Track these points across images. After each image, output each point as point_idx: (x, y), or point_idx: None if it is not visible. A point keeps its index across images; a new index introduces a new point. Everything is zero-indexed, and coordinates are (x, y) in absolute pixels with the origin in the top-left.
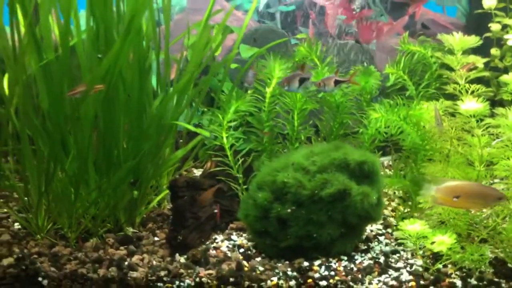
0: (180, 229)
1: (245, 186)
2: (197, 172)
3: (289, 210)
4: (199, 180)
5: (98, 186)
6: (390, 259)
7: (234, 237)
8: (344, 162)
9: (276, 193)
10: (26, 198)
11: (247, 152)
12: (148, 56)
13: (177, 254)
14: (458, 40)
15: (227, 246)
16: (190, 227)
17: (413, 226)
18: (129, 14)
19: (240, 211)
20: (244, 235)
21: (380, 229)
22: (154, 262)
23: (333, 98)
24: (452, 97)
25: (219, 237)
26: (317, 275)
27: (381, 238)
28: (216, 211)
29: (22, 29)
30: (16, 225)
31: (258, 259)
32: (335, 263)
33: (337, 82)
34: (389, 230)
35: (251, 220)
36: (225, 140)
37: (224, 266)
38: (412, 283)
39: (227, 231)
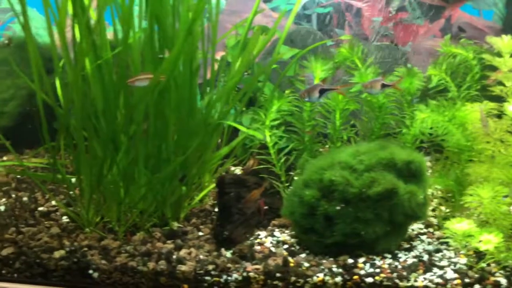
0: (226, 225)
1: (287, 184)
2: (236, 170)
3: (338, 208)
4: (245, 178)
5: (148, 181)
6: (433, 258)
7: (276, 233)
8: (392, 161)
9: (323, 191)
10: (77, 192)
11: (288, 151)
12: (196, 56)
13: (222, 249)
14: (507, 42)
15: (271, 242)
16: (236, 223)
17: (460, 225)
18: (186, 14)
19: (285, 208)
20: (286, 231)
21: (421, 228)
22: (201, 256)
23: (375, 99)
24: (495, 99)
25: (262, 233)
26: (362, 272)
27: (423, 237)
28: (262, 207)
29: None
30: (65, 219)
31: (303, 255)
32: (379, 261)
33: (384, 86)
34: (431, 230)
35: (297, 217)
36: (268, 138)
37: (270, 262)
38: (457, 281)
39: (269, 227)
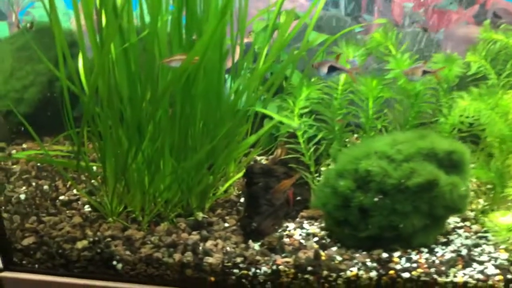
0: (254, 216)
1: (316, 175)
2: (261, 160)
3: (376, 199)
4: (273, 168)
5: (174, 170)
6: (472, 252)
7: (305, 225)
8: (432, 151)
9: (358, 182)
10: (99, 181)
11: (316, 141)
12: (225, 41)
13: (250, 241)
14: None
15: (300, 235)
16: (264, 214)
17: (505, 218)
18: None
19: (316, 199)
20: (315, 223)
21: (457, 222)
22: (228, 248)
23: (412, 86)
24: None
25: (291, 225)
26: (398, 267)
27: (460, 231)
28: (291, 198)
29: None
30: (87, 208)
31: (334, 248)
32: (415, 255)
33: (425, 72)
34: (468, 223)
35: (330, 209)
36: (297, 127)
37: (301, 255)
38: (499, 277)
39: (297, 219)
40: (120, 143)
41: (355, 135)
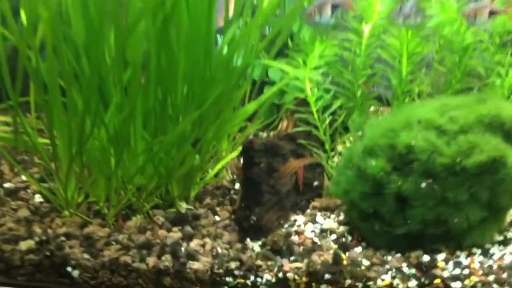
0: (254, 207)
1: (332, 153)
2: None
3: (422, 185)
4: (278, 144)
5: (148, 147)
6: None
7: (319, 218)
8: (497, 119)
9: (395, 161)
10: (52, 164)
11: (332, 111)
12: None
13: (248, 240)
14: None
15: (313, 231)
16: (267, 205)
17: None
18: None
19: (335, 185)
20: (332, 216)
21: (511, 214)
22: (220, 250)
23: (460, 37)
24: None
25: (300, 219)
26: (445, 274)
27: None
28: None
29: None
30: (37, 198)
31: (358, 249)
32: (465, 258)
33: (491, 13)
34: None
35: (354, 197)
36: (309, 91)
37: (315, 258)
38: None
39: (309, 210)
40: (75, 110)
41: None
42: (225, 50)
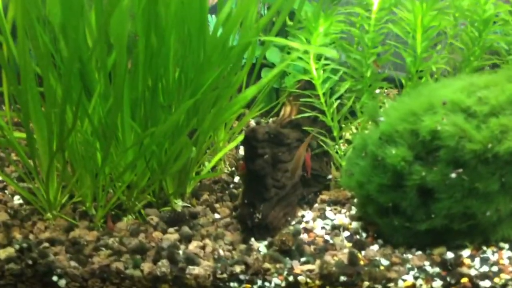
0: (258, 203)
1: (340, 141)
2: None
3: (453, 175)
4: (283, 132)
5: (138, 140)
6: None
7: (329, 213)
8: None
9: (417, 149)
10: (30, 161)
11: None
12: None
13: (253, 239)
14: None
15: (323, 228)
16: (272, 200)
17: None
18: None
19: (347, 177)
20: (343, 210)
21: None
22: (222, 252)
23: (480, 9)
24: None
25: (308, 214)
26: (472, 272)
27: None
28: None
29: None
30: (17, 200)
31: (375, 247)
32: (492, 254)
33: None
34: None
35: (371, 190)
36: (315, 73)
37: (328, 258)
38: None
39: (317, 205)
40: (54, 100)
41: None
42: (220, 30)
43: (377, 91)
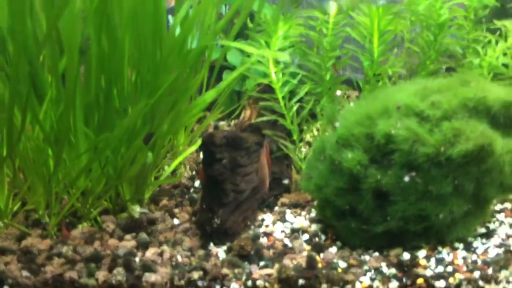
0: (217, 208)
1: (300, 144)
2: (222, 127)
3: (406, 178)
4: (242, 136)
5: (92, 145)
6: None
7: (289, 216)
8: (483, 103)
9: (372, 153)
10: None
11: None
12: None
13: (212, 245)
14: None
15: (283, 231)
16: (231, 205)
17: None
18: None
19: (306, 180)
20: (303, 213)
21: (493, 204)
22: (180, 258)
23: (435, 13)
24: None
25: (268, 217)
26: (428, 272)
27: (500, 216)
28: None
29: None
30: None
31: (333, 249)
32: (448, 254)
33: None
34: (508, 206)
35: (329, 194)
36: (274, 76)
37: (287, 262)
38: None
39: (277, 208)
40: (3, 104)
41: (339, 93)
42: (177, 32)
43: (338, 93)
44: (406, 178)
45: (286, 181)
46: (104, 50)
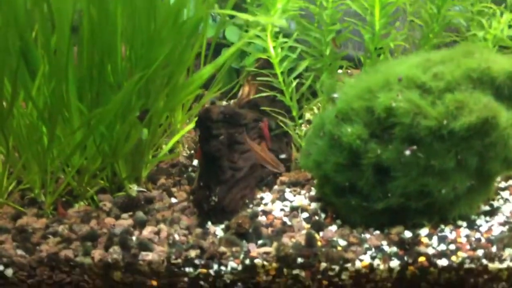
0: (214, 186)
1: (300, 121)
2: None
3: (407, 152)
4: (239, 112)
5: (85, 121)
6: None
7: (288, 195)
8: (486, 74)
9: (373, 127)
10: None
11: (298, 74)
12: None
13: (209, 223)
14: None
15: (282, 210)
16: (229, 182)
17: None
18: None
19: (305, 157)
20: (302, 192)
21: (498, 181)
22: (177, 236)
23: None
24: None
25: (267, 196)
26: (430, 251)
27: (504, 193)
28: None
29: None
30: None
31: (333, 228)
32: (450, 232)
33: None
34: None
35: (328, 170)
36: (272, 51)
37: (286, 240)
38: None
39: (276, 186)
40: None
41: (349, 71)
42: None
43: (340, 71)
44: (407, 152)
45: (283, 156)
46: (96, 23)
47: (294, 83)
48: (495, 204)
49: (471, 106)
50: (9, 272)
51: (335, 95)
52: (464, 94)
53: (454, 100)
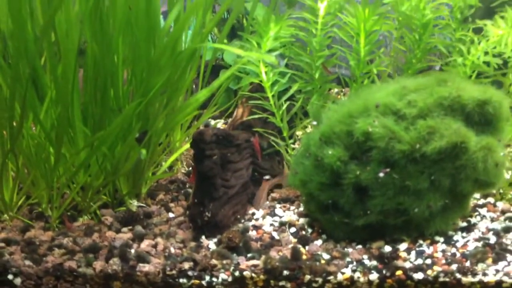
0: (208, 202)
1: (290, 141)
2: (218, 124)
3: (380, 174)
4: (231, 134)
5: (89, 142)
6: (504, 240)
7: (278, 211)
8: (457, 101)
9: (353, 150)
10: None
11: (289, 96)
12: None
13: (203, 237)
14: None
15: (271, 225)
16: (222, 199)
17: None
18: None
19: (292, 175)
20: (292, 208)
21: (477, 198)
22: (173, 249)
23: (419, 13)
24: None
25: (258, 212)
26: (407, 265)
27: (482, 210)
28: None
29: None
30: None
31: (318, 242)
32: (428, 247)
33: None
34: (491, 200)
35: (312, 189)
36: (264, 76)
37: (273, 254)
38: None
39: (267, 203)
40: (5, 101)
41: (336, 90)
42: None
43: (334, 91)
44: (381, 174)
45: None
46: (98, 52)
47: (285, 106)
48: (472, 220)
49: (442, 132)
50: (18, 281)
51: (314, 122)
52: (436, 120)
53: (426, 126)
